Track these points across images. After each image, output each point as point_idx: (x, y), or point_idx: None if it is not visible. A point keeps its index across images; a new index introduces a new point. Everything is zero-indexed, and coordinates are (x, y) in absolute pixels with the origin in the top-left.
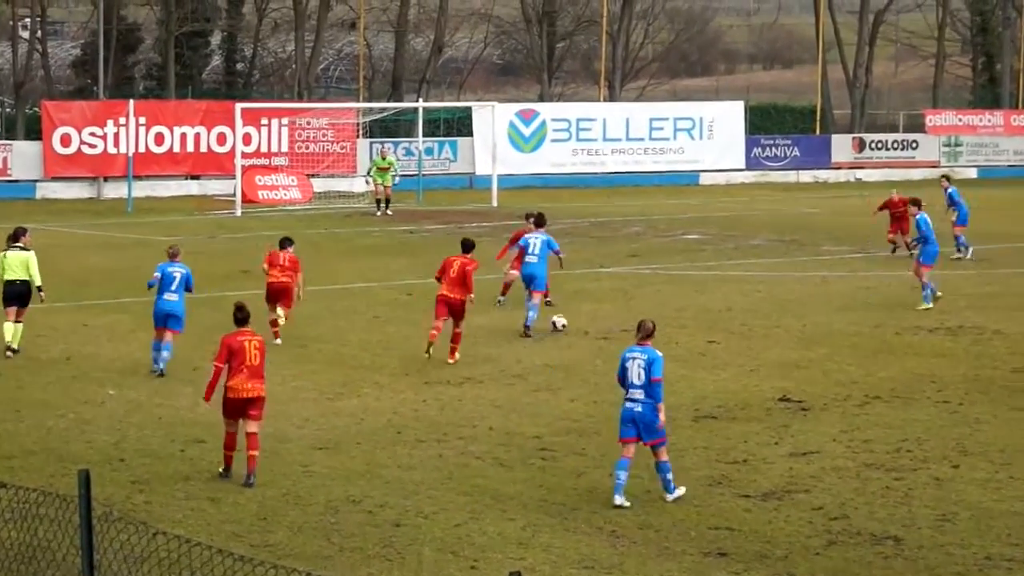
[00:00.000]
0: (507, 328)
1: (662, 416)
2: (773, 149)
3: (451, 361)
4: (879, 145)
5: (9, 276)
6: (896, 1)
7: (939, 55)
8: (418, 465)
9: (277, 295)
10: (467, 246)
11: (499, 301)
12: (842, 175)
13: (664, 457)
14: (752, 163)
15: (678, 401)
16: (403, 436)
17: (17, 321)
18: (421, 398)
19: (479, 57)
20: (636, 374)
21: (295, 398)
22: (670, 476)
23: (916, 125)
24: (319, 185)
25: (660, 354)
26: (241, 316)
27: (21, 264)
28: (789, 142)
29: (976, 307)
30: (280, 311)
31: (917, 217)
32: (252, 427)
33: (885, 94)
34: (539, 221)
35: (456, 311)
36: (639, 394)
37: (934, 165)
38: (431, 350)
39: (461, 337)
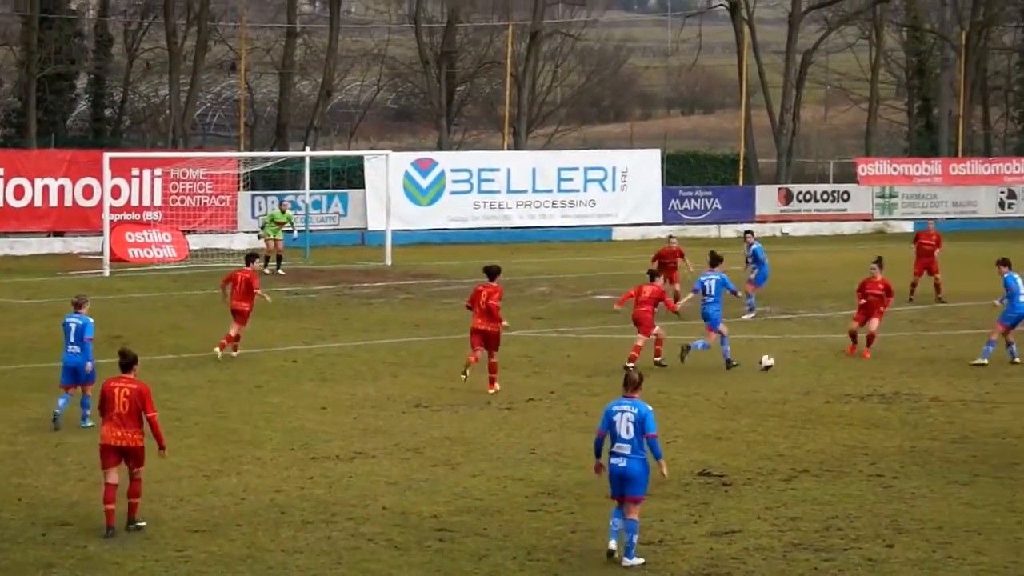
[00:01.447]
0: (401, 397)
1: (665, 471)
2: (692, 201)
3: (491, 391)
4: (807, 197)
5: None
6: (825, 41)
7: (872, 99)
8: (304, 549)
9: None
10: (492, 273)
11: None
12: (767, 229)
13: (635, 516)
14: (670, 216)
15: (588, 476)
16: (288, 517)
17: None
18: (307, 475)
19: (372, 101)
20: (625, 428)
21: (170, 476)
22: (636, 539)
23: (848, 174)
24: (196, 242)
25: (650, 408)
26: (123, 362)
27: None
28: (710, 193)
29: (912, 372)
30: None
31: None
32: (131, 475)
33: (814, 141)
34: (714, 261)
35: (490, 342)
36: (626, 448)
37: (867, 218)
38: (468, 371)
39: (498, 367)
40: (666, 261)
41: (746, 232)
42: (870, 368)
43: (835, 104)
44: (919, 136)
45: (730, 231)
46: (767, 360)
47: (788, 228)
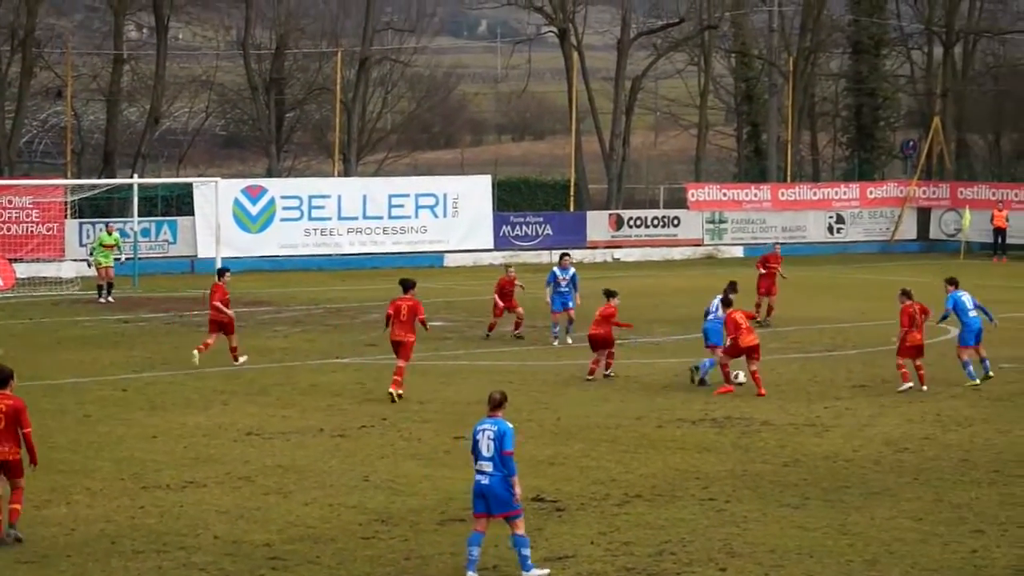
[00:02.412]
0: (232, 425)
1: (517, 489)
2: (524, 227)
3: (391, 389)
4: (638, 222)
5: None
6: (654, 67)
7: (701, 125)
8: None
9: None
10: (407, 286)
11: None
12: (598, 255)
13: (520, 531)
14: (501, 242)
15: (421, 503)
16: (118, 547)
17: None
18: (138, 504)
19: (200, 128)
20: (486, 446)
21: None
22: (527, 552)
23: (678, 200)
24: (22, 271)
25: (511, 426)
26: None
27: None
28: (541, 219)
29: (743, 396)
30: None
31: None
32: (12, 485)
33: (644, 167)
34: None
35: (402, 350)
36: (488, 466)
37: (697, 243)
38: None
39: (403, 372)
40: (507, 290)
41: (563, 255)
42: (702, 393)
43: (665, 130)
44: (748, 162)
45: None
46: (741, 377)
47: (619, 254)
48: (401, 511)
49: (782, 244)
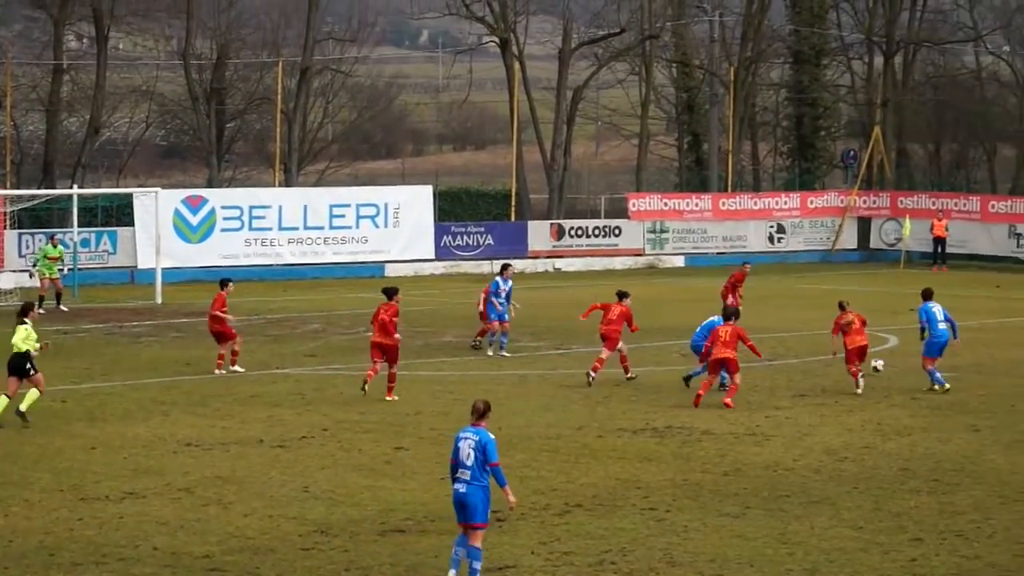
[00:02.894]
0: (172, 436)
1: (511, 498)
2: (465, 237)
3: (388, 398)
4: (579, 232)
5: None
6: (596, 77)
7: (643, 134)
8: None
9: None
10: (390, 293)
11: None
12: (540, 265)
13: (477, 543)
14: (442, 252)
15: (362, 514)
16: (57, 559)
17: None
18: (76, 516)
19: (141, 138)
20: (467, 455)
21: None
22: (478, 567)
23: (619, 210)
24: None
25: (493, 436)
26: None
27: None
28: (482, 229)
29: (684, 406)
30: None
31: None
32: None
33: (586, 177)
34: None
35: (388, 354)
36: (467, 475)
37: (638, 253)
38: (367, 387)
39: (396, 377)
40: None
41: (505, 265)
42: (643, 402)
43: (606, 140)
44: (689, 171)
45: None
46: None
47: (560, 263)
48: (341, 522)
49: (723, 254)
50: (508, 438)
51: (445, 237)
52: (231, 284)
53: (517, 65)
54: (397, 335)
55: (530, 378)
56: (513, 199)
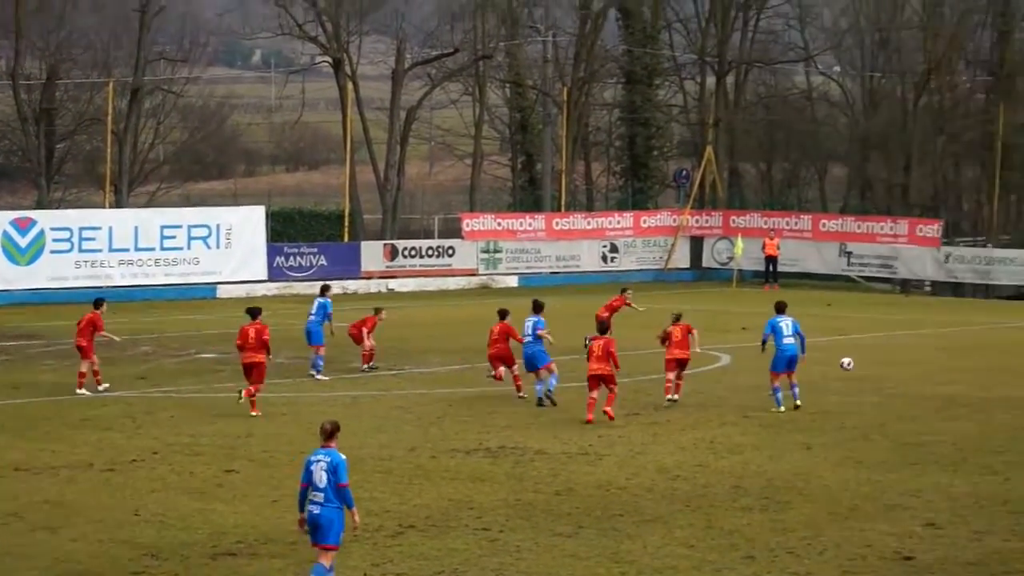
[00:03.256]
0: (0, 461)
1: (356, 519)
2: (298, 258)
3: (253, 413)
4: (413, 252)
5: None
6: (429, 97)
7: (476, 154)
8: None
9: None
10: (254, 313)
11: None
12: (373, 285)
13: (325, 561)
14: (275, 273)
15: (193, 538)
16: None
17: None
18: None
19: None
20: (319, 477)
21: None
22: None
23: (453, 230)
24: None
25: (344, 457)
26: None
27: None
28: (315, 250)
29: (517, 426)
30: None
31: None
32: None
33: (419, 197)
34: (536, 307)
35: (254, 373)
36: (320, 497)
37: (472, 273)
38: (243, 397)
39: (259, 390)
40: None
41: (324, 286)
42: (476, 423)
43: (440, 160)
44: (523, 191)
45: (335, 288)
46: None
47: (394, 284)
48: (172, 545)
49: (556, 273)
50: None
51: (278, 258)
52: (105, 304)
53: (350, 85)
54: (270, 355)
55: (362, 399)
56: (346, 219)
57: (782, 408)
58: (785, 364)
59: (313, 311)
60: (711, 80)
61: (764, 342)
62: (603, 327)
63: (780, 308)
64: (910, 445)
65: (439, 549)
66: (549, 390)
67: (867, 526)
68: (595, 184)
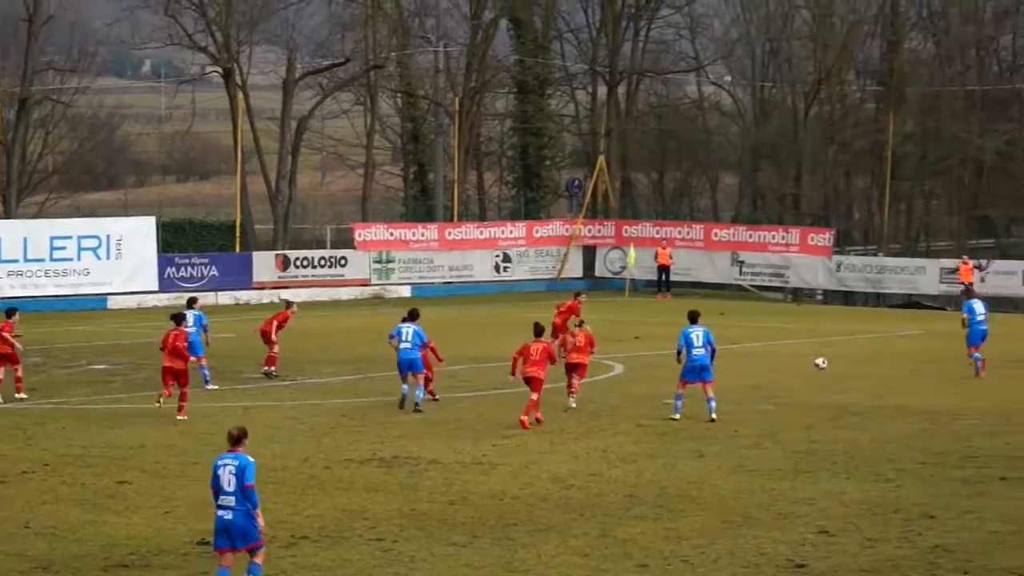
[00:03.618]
0: None
1: (260, 521)
2: (189, 268)
3: (179, 416)
4: (305, 263)
5: None
6: (321, 107)
7: (368, 165)
8: None
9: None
10: (178, 319)
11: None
12: (265, 295)
13: (259, 560)
14: (166, 284)
15: (84, 550)
16: None
17: None
18: None
19: None
20: (227, 480)
21: None
22: None
23: (345, 240)
24: None
25: (252, 460)
26: None
27: None
28: (207, 261)
29: (412, 436)
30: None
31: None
32: None
33: (311, 207)
34: (413, 315)
35: (179, 378)
36: (230, 500)
37: (365, 283)
38: (162, 401)
39: (187, 397)
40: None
41: (191, 299)
42: (370, 433)
43: (332, 170)
44: (415, 201)
45: (227, 298)
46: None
47: (286, 294)
48: (64, 558)
49: (449, 283)
50: None
51: (169, 269)
52: (17, 313)
53: (240, 95)
54: (191, 358)
55: (255, 410)
56: (238, 230)
57: (677, 416)
58: (695, 374)
59: (190, 323)
60: (603, 90)
61: (679, 352)
62: (541, 329)
63: (693, 318)
64: (802, 453)
65: (333, 560)
66: (418, 401)
67: (760, 534)
68: (487, 194)
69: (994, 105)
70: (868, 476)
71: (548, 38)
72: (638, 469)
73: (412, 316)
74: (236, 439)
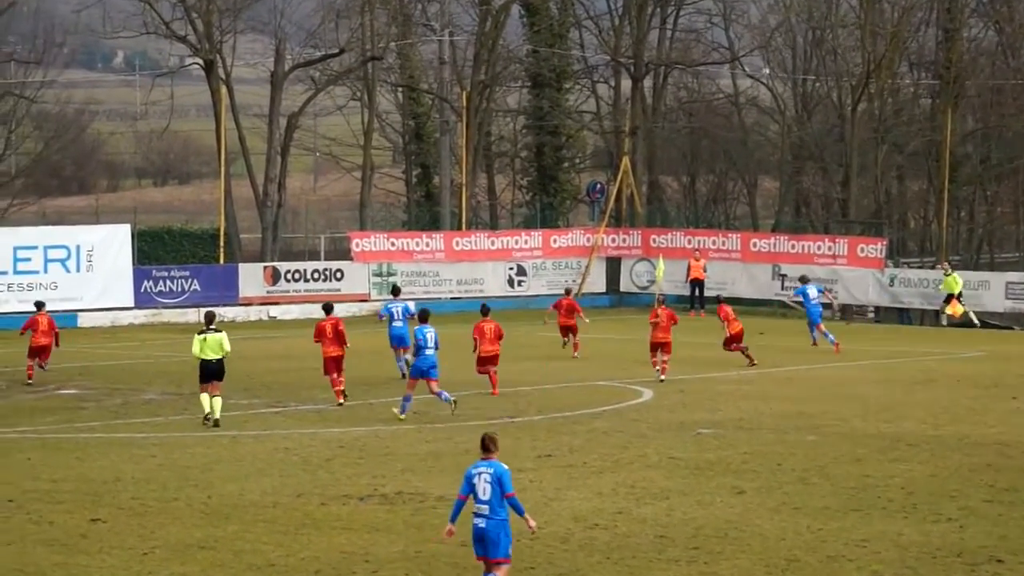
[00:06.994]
0: None
1: (532, 524)
2: (168, 282)
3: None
4: (297, 276)
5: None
6: (313, 103)
7: (366, 166)
8: None
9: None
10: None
11: None
12: (253, 312)
13: (500, 575)
14: (142, 300)
15: None
16: None
17: (214, 395)
18: None
19: None
20: (482, 489)
21: None
22: None
23: (341, 250)
24: None
25: (507, 468)
26: None
27: (216, 344)
28: (187, 273)
29: (416, 470)
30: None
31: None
32: None
33: (303, 214)
34: (395, 290)
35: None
36: (485, 509)
37: (363, 299)
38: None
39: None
40: None
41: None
42: (370, 467)
43: (325, 173)
44: (419, 207)
45: None
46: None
47: (276, 311)
48: None
49: (457, 299)
50: (218, 508)
51: (145, 282)
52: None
53: (224, 89)
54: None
55: (243, 439)
56: (222, 239)
57: (403, 416)
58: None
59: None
60: (627, 84)
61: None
62: (486, 310)
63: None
64: (854, 489)
65: None
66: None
67: None
68: (499, 199)
69: None
70: (927, 515)
71: (566, 26)
72: (670, 507)
73: (395, 292)
74: (488, 447)
